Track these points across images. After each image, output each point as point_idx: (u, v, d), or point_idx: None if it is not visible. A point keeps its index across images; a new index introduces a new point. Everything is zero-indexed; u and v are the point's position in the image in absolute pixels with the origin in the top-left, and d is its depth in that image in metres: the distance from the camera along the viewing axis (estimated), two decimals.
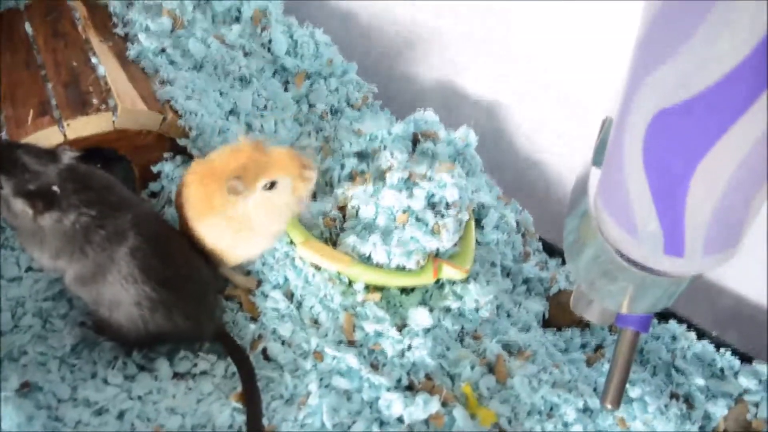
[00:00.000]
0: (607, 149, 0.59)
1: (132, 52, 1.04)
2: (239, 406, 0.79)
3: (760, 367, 0.94)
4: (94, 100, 0.92)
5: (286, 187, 0.83)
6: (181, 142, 0.98)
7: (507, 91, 1.18)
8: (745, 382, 0.93)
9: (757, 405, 0.91)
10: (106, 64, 0.98)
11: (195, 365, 0.84)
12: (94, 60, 0.98)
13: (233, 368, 0.83)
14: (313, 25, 1.20)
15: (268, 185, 0.82)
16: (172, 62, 1.06)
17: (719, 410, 0.90)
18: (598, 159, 0.65)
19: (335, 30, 1.24)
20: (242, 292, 0.91)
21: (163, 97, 0.99)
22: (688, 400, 0.92)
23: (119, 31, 1.07)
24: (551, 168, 1.18)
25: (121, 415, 0.78)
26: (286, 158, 0.83)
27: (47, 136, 0.88)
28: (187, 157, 0.99)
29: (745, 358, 0.96)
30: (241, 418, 0.78)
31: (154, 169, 0.98)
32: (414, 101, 1.22)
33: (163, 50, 1.06)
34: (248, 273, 0.93)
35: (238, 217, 0.83)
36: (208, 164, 0.84)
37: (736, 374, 0.94)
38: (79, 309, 0.86)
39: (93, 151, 0.94)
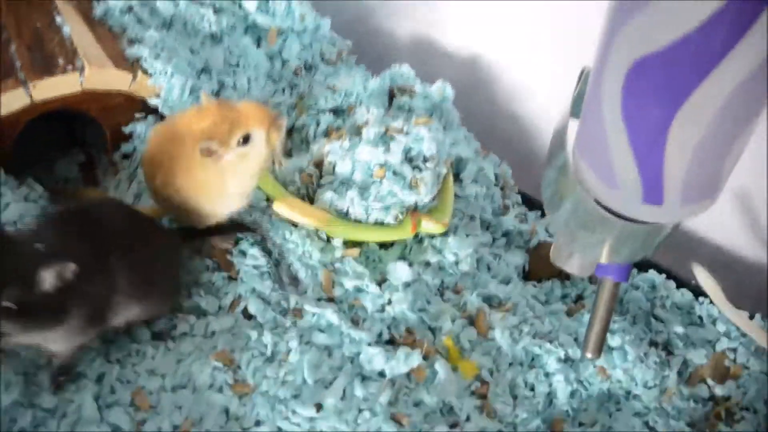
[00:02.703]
0: (585, 100, 0.59)
1: (98, 11, 1.01)
2: (220, 365, 0.79)
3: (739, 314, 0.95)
4: (60, 61, 0.90)
5: (261, 139, 0.82)
6: (152, 101, 0.96)
7: (484, 44, 1.17)
8: (724, 329, 0.94)
9: (735, 351, 0.92)
10: (71, 24, 0.95)
11: (174, 326, 0.83)
12: (58, 20, 0.96)
13: (213, 327, 0.83)
14: None
15: (242, 140, 0.80)
16: (140, 20, 1.03)
17: (698, 357, 0.91)
18: (576, 110, 0.65)
19: None
20: (219, 251, 0.90)
21: (131, 57, 0.96)
22: (668, 348, 0.93)
23: None
24: (530, 120, 1.17)
25: (99, 379, 0.77)
26: (255, 110, 0.81)
27: (12, 99, 0.86)
28: (159, 117, 0.97)
29: None
30: (221, 377, 0.78)
31: (126, 130, 0.96)
32: (389, 56, 1.21)
33: (130, 8, 1.03)
34: None
35: (211, 178, 0.82)
36: (172, 127, 0.82)
37: (714, 322, 0.95)
38: None
39: (61, 113, 0.92)
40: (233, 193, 0.85)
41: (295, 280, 0.87)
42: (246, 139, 0.80)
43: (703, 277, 0.89)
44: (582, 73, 0.65)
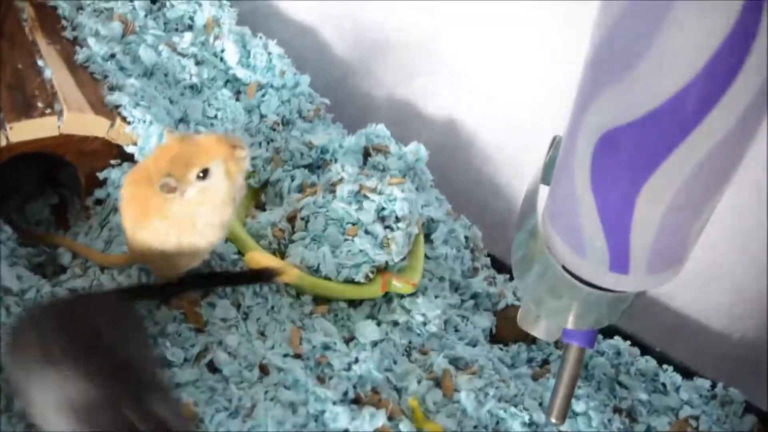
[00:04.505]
0: (556, 167, 0.60)
1: (80, 56, 1.02)
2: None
3: (701, 382, 0.96)
4: (39, 104, 0.90)
5: (220, 171, 0.80)
6: (129, 149, 0.96)
7: (459, 108, 1.19)
8: (687, 397, 0.95)
9: (697, 419, 0.92)
10: (52, 67, 0.96)
11: None
12: (40, 63, 0.96)
13: (178, 378, 0.82)
14: (266, 37, 1.20)
15: (201, 174, 0.79)
16: (121, 68, 1.04)
17: (661, 425, 0.91)
18: (546, 177, 0.66)
19: (289, 42, 1.23)
20: (187, 302, 0.89)
21: (111, 103, 0.97)
22: (631, 415, 0.93)
23: (68, 34, 1.05)
24: (501, 184, 1.19)
25: None
26: (214, 143, 0.79)
27: None
28: (135, 165, 0.97)
29: (688, 374, 0.98)
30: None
31: (101, 176, 0.96)
32: (366, 115, 1.23)
33: (112, 55, 1.04)
34: None
35: (179, 216, 0.81)
36: (140, 169, 0.82)
37: (678, 389, 0.96)
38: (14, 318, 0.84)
39: (38, 156, 0.92)
40: (207, 224, 0.83)
41: None
42: (205, 173, 0.79)
43: None
44: (553, 140, 0.66)
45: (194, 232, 0.83)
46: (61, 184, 1.02)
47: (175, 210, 0.80)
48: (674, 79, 0.44)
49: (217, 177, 0.80)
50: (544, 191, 0.66)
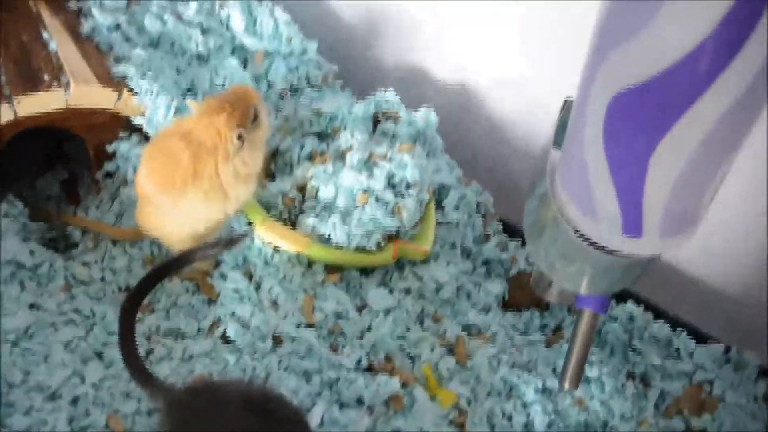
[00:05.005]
0: (568, 131, 0.59)
1: (85, 27, 1.01)
2: None
3: (715, 347, 0.96)
4: (46, 77, 0.89)
5: (263, 111, 0.85)
6: (137, 120, 0.96)
7: (469, 71, 1.18)
8: (701, 361, 0.95)
9: (711, 383, 0.92)
10: (57, 40, 0.95)
11: (152, 351, 0.83)
12: (45, 35, 0.96)
13: (191, 350, 0.82)
14: (272, 3, 1.18)
15: (252, 117, 0.83)
16: (127, 39, 1.03)
17: (675, 389, 0.91)
18: (558, 140, 0.65)
19: (295, 8, 1.22)
20: (199, 273, 0.90)
21: (117, 75, 0.96)
22: (645, 380, 0.93)
23: (72, 5, 1.04)
24: (512, 149, 1.18)
25: (74, 401, 0.76)
26: (244, 90, 0.85)
27: None
28: (143, 137, 0.97)
29: (702, 338, 0.97)
30: None
31: (110, 148, 0.96)
32: (375, 81, 1.21)
33: (117, 26, 1.04)
34: None
35: (216, 180, 0.82)
36: (172, 135, 0.82)
37: (691, 354, 0.96)
38: (30, 291, 0.85)
39: (45, 130, 0.92)
40: (251, 174, 0.86)
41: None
42: (255, 116, 0.83)
43: None
44: (564, 103, 0.65)
45: (220, 201, 0.84)
46: (70, 160, 1.02)
47: (237, 162, 0.82)
48: (686, 39, 0.43)
49: (262, 116, 0.85)
50: (555, 155, 0.65)
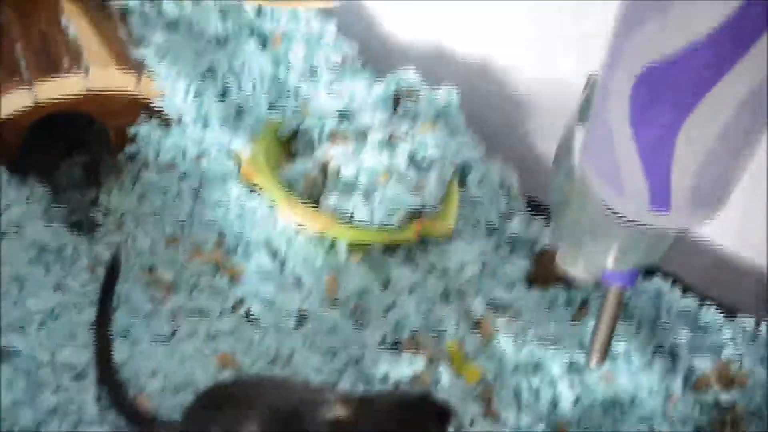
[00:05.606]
0: (593, 106, 0.58)
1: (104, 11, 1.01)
2: (223, 366, 0.79)
3: (744, 321, 0.95)
4: (65, 61, 0.90)
5: None
6: (157, 103, 0.96)
7: (491, 48, 1.17)
8: (730, 335, 0.94)
9: (741, 358, 0.91)
10: (77, 24, 0.95)
11: (177, 329, 0.83)
12: (64, 20, 0.96)
13: (215, 329, 0.82)
14: None
15: None
16: (146, 22, 1.03)
17: (704, 364, 0.90)
18: (583, 116, 0.64)
19: None
20: (220, 253, 0.90)
21: (136, 58, 0.96)
22: (673, 354, 0.92)
23: None
24: (536, 124, 1.17)
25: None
26: None
27: (17, 99, 0.85)
28: (163, 120, 0.97)
29: (731, 312, 0.96)
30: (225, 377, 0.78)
31: (130, 132, 0.96)
32: (395, 60, 1.20)
33: (137, 9, 1.03)
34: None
35: None
36: None
37: (720, 329, 0.95)
38: (54, 273, 0.85)
39: (67, 116, 0.92)
40: None
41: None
42: None
43: None
44: (589, 78, 0.64)
45: None
46: (91, 144, 1.03)
47: None
48: (714, 13, 0.42)
49: None
50: (580, 131, 0.64)
